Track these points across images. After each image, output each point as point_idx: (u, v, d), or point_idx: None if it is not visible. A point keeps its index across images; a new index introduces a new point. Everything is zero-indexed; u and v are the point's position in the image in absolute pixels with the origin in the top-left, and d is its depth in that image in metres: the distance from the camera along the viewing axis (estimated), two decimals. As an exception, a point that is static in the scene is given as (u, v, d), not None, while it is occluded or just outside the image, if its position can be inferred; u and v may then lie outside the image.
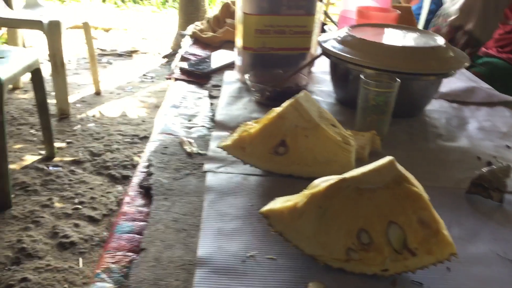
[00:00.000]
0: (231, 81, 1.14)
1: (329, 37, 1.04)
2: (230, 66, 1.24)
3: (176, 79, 1.17)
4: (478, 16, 1.53)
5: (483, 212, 0.70)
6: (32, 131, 2.40)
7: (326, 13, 1.69)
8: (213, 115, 0.96)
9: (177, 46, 3.79)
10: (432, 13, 2.77)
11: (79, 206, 1.81)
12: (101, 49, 3.89)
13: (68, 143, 2.30)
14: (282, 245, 0.58)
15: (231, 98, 1.04)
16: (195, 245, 0.58)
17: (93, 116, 2.65)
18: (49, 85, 2.54)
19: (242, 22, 1.05)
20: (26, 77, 2.70)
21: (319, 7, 1.11)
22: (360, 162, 0.73)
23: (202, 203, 0.67)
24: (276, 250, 0.58)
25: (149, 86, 3.23)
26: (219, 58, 1.28)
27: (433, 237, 0.52)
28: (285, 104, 0.70)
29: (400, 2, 2.83)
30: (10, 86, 2.80)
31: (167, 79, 1.20)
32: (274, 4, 1.02)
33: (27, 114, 2.58)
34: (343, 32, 1.02)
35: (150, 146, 0.82)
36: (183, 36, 1.58)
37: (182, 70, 1.20)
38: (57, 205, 1.81)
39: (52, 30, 2.36)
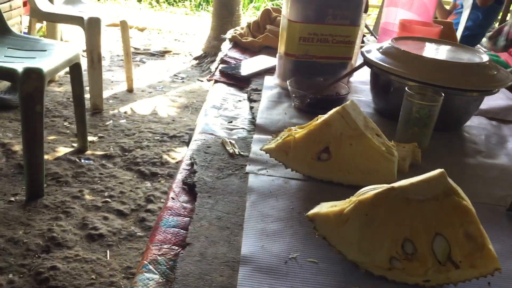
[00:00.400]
0: (271, 86, 1.15)
1: (371, 48, 1.05)
2: (269, 71, 1.25)
3: (216, 81, 1.19)
4: None
5: (524, 231, 0.70)
6: (66, 123, 2.46)
7: (366, 25, 1.70)
8: (253, 118, 0.97)
9: (208, 49, 3.84)
10: (468, 29, 2.75)
11: (109, 200, 1.85)
12: (135, 48, 3.97)
13: (100, 137, 2.36)
14: (324, 249, 0.59)
15: (271, 102, 1.05)
16: (238, 243, 0.60)
17: (125, 112, 2.70)
18: (84, 80, 2.60)
19: (286, 29, 1.06)
20: (61, 71, 2.78)
21: (363, 19, 1.11)
22: (400, 174, 0.74)
23: (244, 203, 0.68)
24: (318, 254, 0.59)
25: (180, 86, 3.27)
26: (257, 62, 1.30)
27: (478, 251, 0.53)
28: (331, 111, 0.71)
29: (437, 17, 2.81)
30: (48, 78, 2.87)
31: (208, 80, 1.23)
32: (320, 13, 1.03)
33: (61, 107, 2.65)
34: (387, 43, 1.02)
35: (193, 145, 0.84)
36: (222, 39, 1.60)
37: (222, 73, 1.22)
38: (88, 197, 1.85)
39: (92, 26, 2.43)
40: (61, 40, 3.34)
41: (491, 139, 1.02)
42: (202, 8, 5.87)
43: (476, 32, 2.86)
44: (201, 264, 0.56)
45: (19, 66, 1.68)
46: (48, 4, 2.70)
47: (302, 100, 1.01)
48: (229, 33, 1.58)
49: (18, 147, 2.13)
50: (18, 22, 2.95)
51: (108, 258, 1.55)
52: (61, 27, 3.16)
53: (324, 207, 0.58)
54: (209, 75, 1.25)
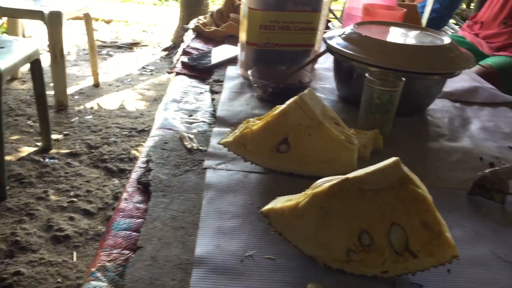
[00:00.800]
0: (233, 76, 1.12)
1: (334, 34, 1.03)
2: (232, 61, 1.22)
3: (178, 73, 1.15)
4: None
5: (485, 214, 0.69)
6: (29, 122, 2.38)
7: (330, 10, 1.68)
8: (214, 111, 0.94)
9: (177, 39, 3.76)
10: (435, 11, 2.76)
11: (75, 199, 1.79)
12: (102, 41, 3.87)
13: (65, 135, 2.28)
14: (281, 245, 0.57)
15: (233, 93, 1.02)
16: (193, 243, 0.57)
17: (91, 108, 2.63)
18: (47, 76, 2.51)
19: (247, 17, 1.03)
20: (25, 68, 2.68)
21: (325, 4, 1.09)
22: (362, 161, 0.72)
23: (201, 201, 0.65)
24: (275, 250, 0.57)
25: (148, 79, 3.20)
26: (221, 52, 1.27)
27: (436, 239, 0.51)
28: (289, 101, 0.69)
29: (405, 0, 2.81)
30: (9, 76, 2.77)
31: (169, 73, 1.19)
32: (281, 0, 1.00)
33: (24, 105, 2.56)
34: (349, 29, 1.00)
35: (150, 141, 0.81)
36: (185, 30, 1.56)
37: (184, 64, 1.19)
38: (53, 197, 1.79)
39: (53, 21, 2.34)
40: (24, 36, 3.22)
41: (454, 122, 1.01)
42: (170, -2, 5.76)
43: (444, 14, 2.87)
44: (152, 268, 0.53)
45: (-27, 64, 1.60)
46: (7, -1, 2.59)
47: (264, 90, 0.99)
48: (192, 23, 1.54)
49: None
50: (-25, 18, 2.83)
51: (75, 260, 1.50)
52: (23, 23, 3.05)
53: (279, 202, 0.56)
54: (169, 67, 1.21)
